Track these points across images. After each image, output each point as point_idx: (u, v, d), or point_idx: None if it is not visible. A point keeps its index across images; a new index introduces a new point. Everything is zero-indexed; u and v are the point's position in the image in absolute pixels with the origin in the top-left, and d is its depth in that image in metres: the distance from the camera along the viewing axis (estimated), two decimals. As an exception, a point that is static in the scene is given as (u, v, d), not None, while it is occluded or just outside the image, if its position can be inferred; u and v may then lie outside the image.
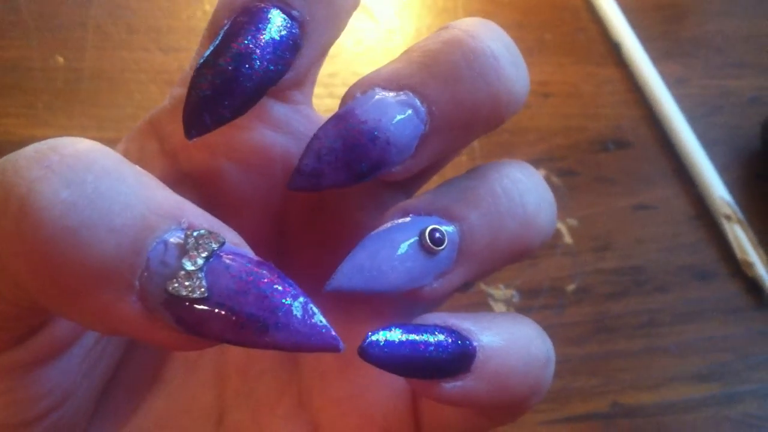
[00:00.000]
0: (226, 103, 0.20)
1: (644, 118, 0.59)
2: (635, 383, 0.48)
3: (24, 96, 0.54)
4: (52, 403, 0.23)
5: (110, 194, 0.17)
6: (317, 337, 0.18)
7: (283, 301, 0.18)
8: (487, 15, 0.62)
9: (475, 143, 0.55)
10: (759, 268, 0.51)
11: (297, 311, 0.18)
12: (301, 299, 0.18)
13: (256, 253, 0.24)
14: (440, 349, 0.21)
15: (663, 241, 0.53)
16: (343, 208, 0.25)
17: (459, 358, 0.21)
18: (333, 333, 0.18)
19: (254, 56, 0.20)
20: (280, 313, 0.18)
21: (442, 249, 0.22)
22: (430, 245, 0.22)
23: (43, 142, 0.18)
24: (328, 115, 0.24)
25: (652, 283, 0.52)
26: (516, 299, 0.50)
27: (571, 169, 0.56)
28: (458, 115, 0.22)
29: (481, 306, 0.49)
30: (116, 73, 0.56)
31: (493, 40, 0.22)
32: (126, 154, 0.24)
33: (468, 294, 0.49)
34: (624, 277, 0.52)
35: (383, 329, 0.21)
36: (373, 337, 0.20)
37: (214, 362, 0.27)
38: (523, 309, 0.49)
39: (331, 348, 0.18)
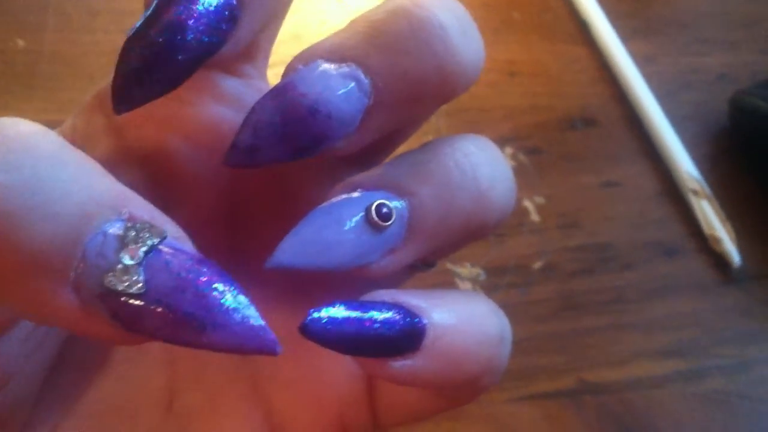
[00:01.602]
0: (157, 76, 0.19)
1: (612, 96, 0.59)
2: (602, 360, 0.48)
3: (-18, 79, 0.53)
4: None
5: (49, 180, 0.17)
6: (255, 340, 0.18)
7: (222, 301, 0.18)
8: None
9: (441, 122, 0.55)
10: (726, 243, 0.51)
11: (235, 312, 0.18)
12: (241, 299, 0.18)
13: (207, 231, 0.24)
14: (387, 327, 0.20)
15: (630, 217, 0.53)
16: (297, 185, 0.25)
17: (407, 335, 0.21)
18: (271, 336, 0.18)
19: (187, 27, 0.19)
20: (217, 313, 0.17)
21: (390, 224, 0.21)
22: (376, 220, 0.21)
23: None
24: None
25: (619, 260, 0.51)
26: (482, 278, 0.49)
27: (538, 148, 0.55)
28: (404, 87, 0.21)
29: (447, 285, 0.48)
30: (77, 56, 0.55)
31: (441, 9, 0.21)
32: (73, 130, 0.23)
33: (434, 273, 0.48)
34: (591, 255, 0.51)
35: (326, 306, 0.20)
36: (315, 314, 0.20)
37: (165, 343, 0.26)
38: (489, 287, 0.49)
39: (269, 351, 0.18)
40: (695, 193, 0.52)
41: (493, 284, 0.49)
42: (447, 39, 0.21)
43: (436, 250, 0.23)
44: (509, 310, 0.48)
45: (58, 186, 0.17)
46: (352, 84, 0.21)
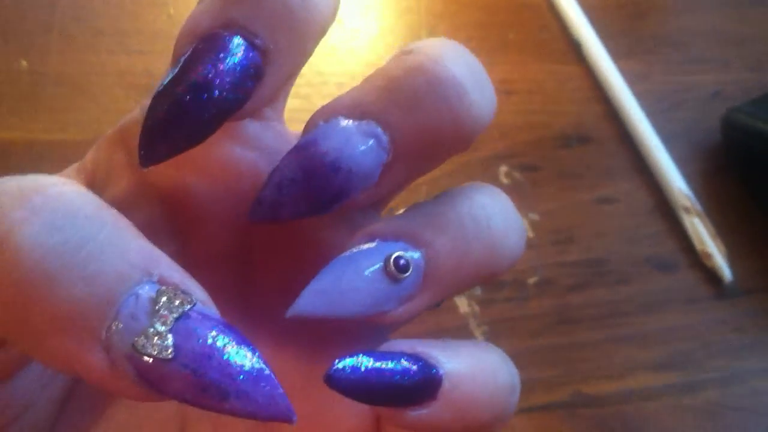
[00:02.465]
0: (183, 133, 0.20)
1: (605, 114, 0.59)
2: (597, 373, 0.48)
3: (-12, 100, 0.54)
4: (9, 417, 0.22)
5: (88, 242, 0.17)
6: (273, 408, 0.18)
7: (245, 369, 0.18)
8: (450, 15, 0.63)
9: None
10: (717, 258, 0.52)
11: (258, 382, 0.18)
12: (264, 370, 0.18)
13: (220, 269, 0.24)
14: (406, 377, 0.21)
15: (624, 233, 0.54)
16: (310, 225, 0.25)
17: (425, 385, 0.21)
18: (288, 405, 0.19)
19: (212, 86, 0.20)
20: (240, 381, 0.18)
21: (407, 275, 0.22)
22: (394, 272, 0.22)
23: (26, 177, 0.18)
24: (295, 120, 0.24)
25: (614, 275, 0.52)
26: (478, 292, 0.50)
27: (533, 165, 0.56)
28: (421, 142, 0.22)
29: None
30: (81, 77, 0.56)
31: (457, 64, 0.22)
32: (95, 164, 0.24)
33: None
34: (586, 269, 0.52)
35: (349, 356, 0.21)
36: (339, 365, 0.20)
37: None
38: (485, 302, 0.50)
39: (285, 419, 0.19)
40: (686, 210, 0.53)
41: (490, 299, 0.50)
42: (463, 94, 0.22)
43: (449, 296, 0.24)
44: (505, 324, 0.49)
45: (96, 247, 0.17)
46: (372, 141, 0.22)
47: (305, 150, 0.21)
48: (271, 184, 0.22)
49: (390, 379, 0.21)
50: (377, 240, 0.22)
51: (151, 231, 0.20)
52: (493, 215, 0.23)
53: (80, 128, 0.54)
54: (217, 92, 0.20)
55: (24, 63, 0.56)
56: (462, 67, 0.22)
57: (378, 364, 0.21)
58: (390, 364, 0.21)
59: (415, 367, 0.21)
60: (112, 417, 0.25)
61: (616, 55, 0.61)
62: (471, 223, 0.23)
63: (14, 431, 0.23)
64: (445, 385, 0.21)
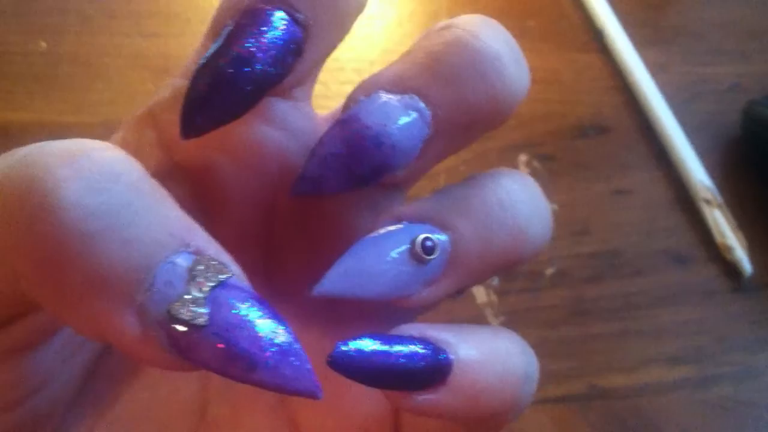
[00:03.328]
0: (224, 105, 0.20)
1: (624, 104, 0.59)
2: (611, 366, 0.48)
3: (2, 81, 0.54)
4: (28, 390, 0.22)
5: (128, 207, 0.17)
6: (300, 382, 0.18)
7: (276, 341, 0.18)
8: (469, 2, 0.62)
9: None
10: (738, 251, 0.51)
11: (287, 355, 0.18)
12: (294, 344, 0.18)
13: (245, 248, 0.24)
14: (412, 361, 0.21)
15: (641, 225, 0.54)
16: (334, 206, 0.25)
17: (433, 370, 0.21)
18: (316, 380, 0.18)
19: (254, 59, 0.20)
20: (269, 354, 0.18)
21: (433, 258, 0.22)
22: (420, 254, 0.21)
23: (72, 141, 0.18)
24: (320, 106, 0.24)
25: (630, 267, 0.52)
26: (495, 282, 0.50)
27: (551, 155, 0.56)
28: (462, 116, 0.22)
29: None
30: (96, 58, 0.56)
31: (495, 39, 0.22)
32: (124, 143, 0.24)
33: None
34: (602, 261, 0.52)
35: (354, 339, 0.21)
36: (343, 347, 0.20)
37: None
38: (501, 292, 0.50)
39: (311, 395, 0.18)
40: (707, 202, 0.53)
41: (505, 289, 0.50)
42: (503, 69, 0.22)
43: (472, 282, 0.23)
44: (521, 315, 0.49)
45: (135, 213, 0.17)
46: (414, 114, 0.21)
47: (348, 124, 0.21)
48: (315, 158, 0.22)
49: (395, 362, 0.21)
50: (403, 222, 0.22)
51: None
52: (520, 201, 0.23)
53: (94, 110, 0.53)
54: (259, 66, 0.20)
55: (43, 44, 0.56)
56: (500, 42, 0.22)
57: (384, 347, 0.21)
58: (396, 347, 0.21)
59: (423, 351, 0.21)
60: (132, 397, 0.26)
61: (635, 44, 0.61)
62: (498, 208, 0.23)
63: (32, 405, 0.23)
64: (455, 370, 0.21)
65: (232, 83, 0.20)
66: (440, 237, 0.22)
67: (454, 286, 0.23)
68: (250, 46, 0.20)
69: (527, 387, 0.23)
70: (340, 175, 0.21)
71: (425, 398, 0.21)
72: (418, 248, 0.21)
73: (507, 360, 0.22)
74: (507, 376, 0.22)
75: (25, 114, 0.53)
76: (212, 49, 0.20)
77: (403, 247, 0.21)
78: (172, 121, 0.22)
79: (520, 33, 0.61)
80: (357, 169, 0.21)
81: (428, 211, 0.22)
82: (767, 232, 0.54)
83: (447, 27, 0.22)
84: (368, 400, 0.25)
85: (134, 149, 0.23)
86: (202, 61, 0.20)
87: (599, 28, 0.61)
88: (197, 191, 0.24)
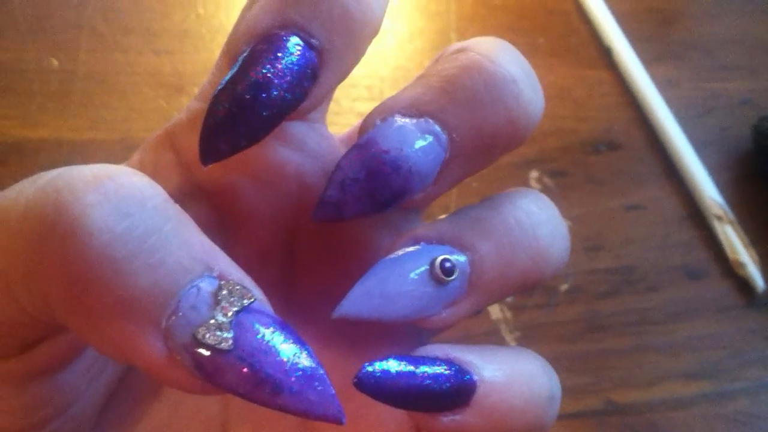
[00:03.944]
0: (242, 130, 0.20)
1: (635, 120, 0.59)
2: (627, 381, 0.48)
3: (17, 97, 0.54)
4: (54, 411, 0.23)
5: (156, 233, 0.18)
6: (324, 408, 0.18)
7: (300, 366, 0.18)
8: (480, 18, 0.63)
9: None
10: (750, 267, 0.51)
11: (312, 380, 0.18)
12: (318, 369, 0.19)
13: (264, 268, 0.24)
14: (438, 382, 0.21)
15: (654, 240, 0.54)
16: (352, 227, 0.25)
17: (458, 391, 0.21)
18: (339, 406, 0.19)
19: (272, 85, 0.20)
20: (294, 379, 0.18)
21: (453, 279, 0.22)
22: (440, 275, 0.22)
23: (98, 166, 0.18)
24: (331, 122, 0.24)
25: (644, 283, 0.52)
26: (510, 298, 0.50)
27: (562, 171, 0.56)
28: (479, 140, 0.22)
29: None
30: (109, 75, 0.56)
31: (511, 63, 0.22)
32: (142, 165, 0.24)
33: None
34: (616, 277, 0.52)
35: (380, 360, 0.21)
36: (369, 368, 0.21)
37: None
38: (516, 308, 0.50)
39: (335, 420, 0.19)
40: (719, 218, 0.53)
41: (520, 304, 0.50)
42: (519, 93, 0.22)
43: (491, 302, 0.23)
44: (536, 330, 0.49)
45: (162, 238, 0.18)
46: (431, 138, 0.22)
47: (366, 149, 0.22)
48: (335, 183, 0.22)
49: (421, 383, 0.21)
50: (422, 243, 0.22)
51: None
52: (539, 223, 0.23)
53: (109, 127, 0.54)
54: (276, 92, 0.20)
55: (54, 61, 0.56)
56: (516, 65, 0.22)
57: (409, 368, 0.21)
58: (422, 369, 0.21)
59: (448, 372, 0.21)
60: (154, 417, 0.26)
61: (644, 60, 0.61)
62: (517, 229, 0.23)
63: (57, 426, 0.23)
64: (479, 391, 0.21)
65: (250, 109, 0.20)
66: (459, 258, 0.22)
67: (474, 307, 0.23)
68: (266, 72, 0.20)
69: (551, 408, 0.23)
70: (360, 199, 0.22)
71: (451, 420, 0.21)
72: (438, 269, 0.22)
73: (532, 381, 0.22)
74: (532, 397, 0.22)
75: (40, 131, 0.53)
76: (230, 74, 0.20)
77: (423, 268, 0.22)
78: (190, 143, 0.23)
79: (530, 50, 0.62)
80: (376, 193, 0.21)
81: (447, 232, 0.23)
82: (780, 248, 0.54)
83: (462, 50, 0.23)
84: (390, 419, 0.25)
85: (152, 171, 0.24)
86: (219, 86, 0.20)
87: (607, 44, 0.62)
88: (217, 212, 0.24)
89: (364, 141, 0.22)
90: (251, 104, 0.20)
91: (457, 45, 0.23)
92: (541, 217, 0.23)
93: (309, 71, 0.21)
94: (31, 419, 0.22)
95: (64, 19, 0.58)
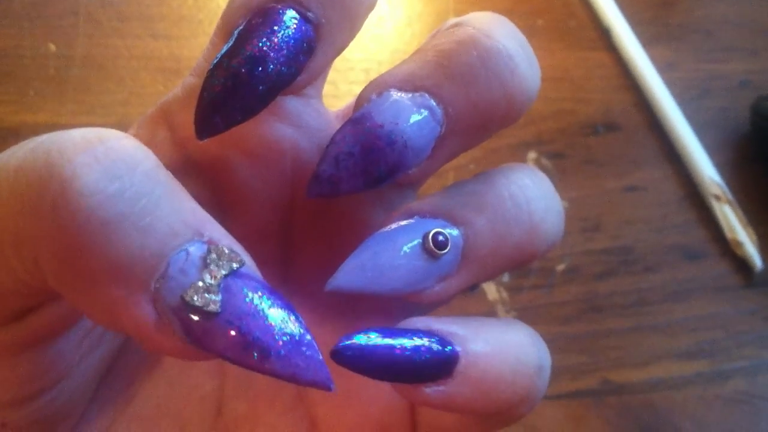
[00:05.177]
0: (238, 105, 0.20)
1: (634, 101, 0.59)
2: (624, 361, 0.48)
3: (15, 83, 0.54)
4: (48, 383, 0.23)
5: (145, 195, 0.18)
6: (312, 373, 0.19)
7: (287, 331, 0.18)
8: (478, 2, 0.63)
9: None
10: (748, 247, 0.51)
11: (300, 345, 0.18)
12: (306, 335, 0.19)
13: (259, 244, 0.24)
14: (418, 353, 0.21)
15: (652, 221, 0.54)
16: (348, 202, 0.25)
17: (439, 362, 0.21)
18: (327, 372, 0.19)
19: (267, 59, 0.20)
20: (282, 343, 0.18)
21: (446, 252, 0.22)
22: (433, 248, 0.21)
23: (88, 129, 0.18)
24: (329, 106, 0.24)
25: (642, 263, 0.52)
26: (506, 279, 0.50)
27: (560, 152, 0.56)
28: (474, 115, 0.22)
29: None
30: (107, 60, 0.56)
31: (507, 37, 0.22)
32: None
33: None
34: (613, 257, 0.52)
35: (358, 333, 0.21)
36: (346, 341, 0.20)
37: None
38: (513, 288, 0.50)
39: (323, 386, 0.19)
40: (717, 198, 0.53)
41: (517, 285, 0.50)
42: (515, 68, 0.21)
43: (486, 277, 0.23)
44: (533, 311, 0.49)
45: (152, 202, 0.18)
46: (426, 113, 0.21)
47: (361, 123, 0.21)
48: (329, 158, 0.22)
49: (399, 355, 0.21)
50: (416, 217, 0.22)
51: None
52: (533, 198, 0.23)
53: (106, 111, 0.54)
54: (271, 66, 0.20)
55: (52, 46, 0.56)
56: (512, 40, 0.22)
57: (387, 341, 0.21)
58: (401, 340, 0.21)
59: (428, 344, 0.21)
60: (149, 394, 0.26)
61: (643, 42, 0.61)
62: (511, 203, 0.23)
63: (51, 398, 0.23)
64: (463, 362, 0.21)
65: (245, 83, 0.20)
66: (452, 232, 0.22)
67: (467, 282, 0.23)
68: (262, 46, 0.20)
69: (541, 378, 0.23)
70: (355, 174, 0.21)
71: (434, 390, 0.21)
72: (430, 243, 0.21)
73: (519, 351, 0.22)
74: (519, 367, 0.22)
75: (37, 115, 0.53)
76: (224, 49, 0.20)
77: (416, 242, 0.22)
78: (186, 119, 0.23)
79: (528, 32, 0.61)
80: (371, 168, 0.21)
81: (440, 206, 0.22)
82: (778, 228, 0.54)
83: (458, 25, 0.22)
84: (385, 395, 0.25)
85: (147, 146, 0.24)
86: (215, 61, 0.20)
87: (607, 26, 0.62)
88: (212, 189, 0.24)
89: (359, 115, 0.22)
90: (247, 78, 0.20)
91: (454, 20, 0.23)
92: (535, 192, 0.23)
93: (305, 45, 0.21)
94: (24, 391, 0.22)
95: (62, 5, 0.58)
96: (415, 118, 0.21)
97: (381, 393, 0.26)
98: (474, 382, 0.21)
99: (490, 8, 0.65)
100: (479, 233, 0.22)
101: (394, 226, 0.22)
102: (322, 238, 0.26)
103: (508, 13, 0.61)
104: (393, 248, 0.21)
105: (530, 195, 0.23)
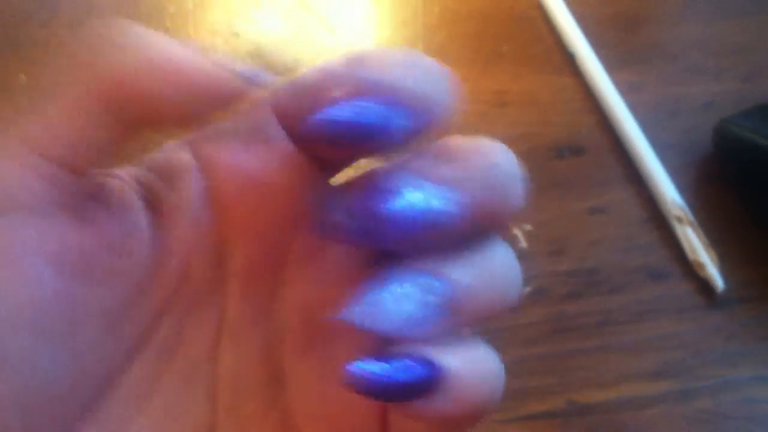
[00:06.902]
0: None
1: (598, 124, 0.60)
2: (591, 381, 0.49)
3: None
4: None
5: None
6: None
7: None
8: (446, 26, 0.64)
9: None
10: (710, 268, 0.52)
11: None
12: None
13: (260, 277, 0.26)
14: (412, 376, 0.23)
15: (617, 243, 0.55)
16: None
17: (428, 382, 0.23)
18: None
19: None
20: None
21: (437, 305, 0.23)
22: (426, 297, 0.23)
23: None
24: None
25: (607, 284, 0.52)
26: (473, 303, 0.50)
27: (526, 176, 0.56)
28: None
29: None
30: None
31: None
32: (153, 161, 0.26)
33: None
34: (579, 279, 0.52)
35: (361, 361, 0.23)
36: (352, 369, 0.22)
37: (208, 377, 0.27)
38: (480, 312, 0.50)
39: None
40: (679, 219, 0.54)
41: (484, 309, 0.50)
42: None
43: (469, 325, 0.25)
44: (500, 333, 0.49)
45: None
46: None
47: (366, 184, 0.23)
48: (333, 209, 0.23)
49: (397, 380, 0.23)
50: (409, 267, 0.24)
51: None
52: (509, 270, 0.27)
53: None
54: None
55: (23, 77, 0.56)
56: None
57: (387, 367, 0.23)
58: (397, 366, 0.23)
59: (420, 366, 0.23)
60: (146, 418, 0.26)
61: (609, 66, 0.62)
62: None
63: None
64: (446, 378, 0.23)
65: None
66: (440, 283, 0.24)
67: (453, 327, 0.24)
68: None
69: (501, 383, 0.25)
70: (360, 234, 0.23)
71: (423, 404, 0.23)
72: (421, 292, 0.23)
73: (485, 363, 0.24)
74: (488, 376, 0.24)
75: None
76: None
77: (412, 289, 0.23)
78: (214, 153, 0.25)
79: (495, 57, 0.63)
80: (375, 235, 0.23)
81: (428, 263, 0.24)
82: (739, 247, 0.55)
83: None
84: (361, 411, 0.26)
85: (168, 169, 0.25)
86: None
87: (571, 51, 0.63)
88: (223, 214, 0.25)
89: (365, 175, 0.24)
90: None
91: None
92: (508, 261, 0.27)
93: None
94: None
95: (32, 36, 0.58)
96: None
97: (358, 411, 0.27)
98: (457, 394, 0.23)
99: (457, 33, 0.66)
100: (468, 289, 0.24)
101: (393, 270, 0.24)
102: (319, 264, 0.27)
103: (475, 37, 0.63)
104: (395, 291, 0.23)
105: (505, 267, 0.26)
